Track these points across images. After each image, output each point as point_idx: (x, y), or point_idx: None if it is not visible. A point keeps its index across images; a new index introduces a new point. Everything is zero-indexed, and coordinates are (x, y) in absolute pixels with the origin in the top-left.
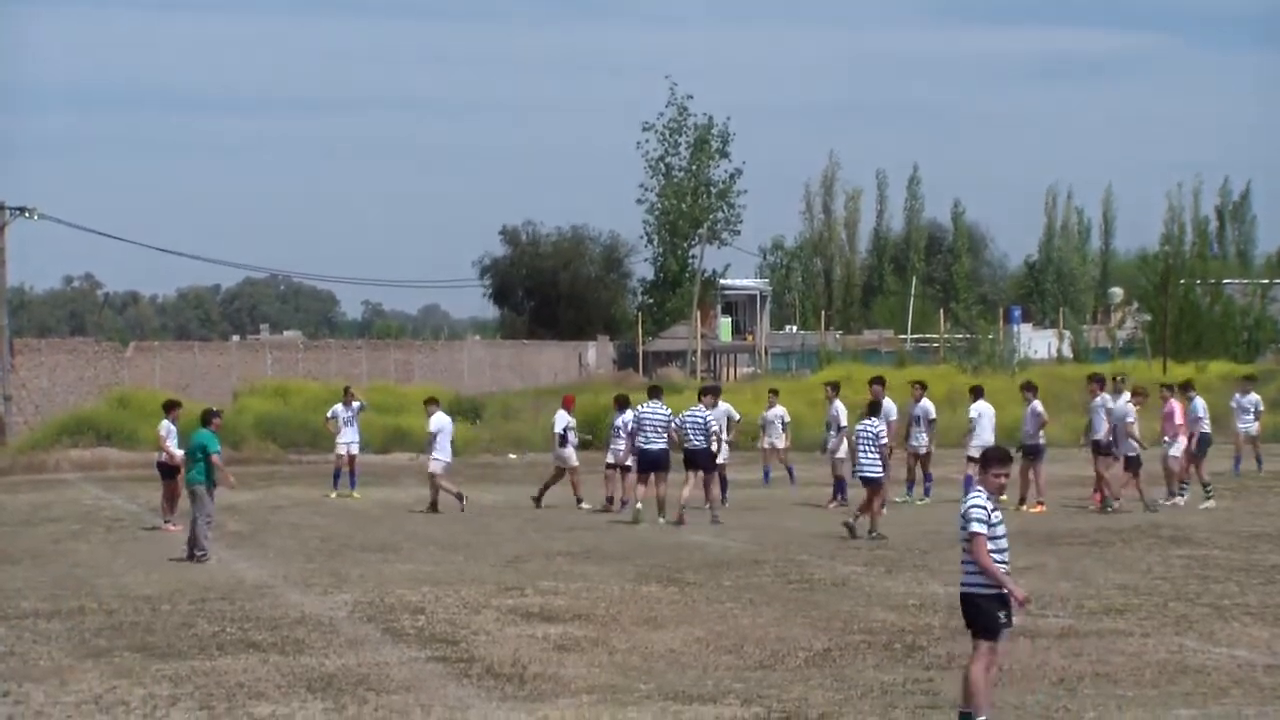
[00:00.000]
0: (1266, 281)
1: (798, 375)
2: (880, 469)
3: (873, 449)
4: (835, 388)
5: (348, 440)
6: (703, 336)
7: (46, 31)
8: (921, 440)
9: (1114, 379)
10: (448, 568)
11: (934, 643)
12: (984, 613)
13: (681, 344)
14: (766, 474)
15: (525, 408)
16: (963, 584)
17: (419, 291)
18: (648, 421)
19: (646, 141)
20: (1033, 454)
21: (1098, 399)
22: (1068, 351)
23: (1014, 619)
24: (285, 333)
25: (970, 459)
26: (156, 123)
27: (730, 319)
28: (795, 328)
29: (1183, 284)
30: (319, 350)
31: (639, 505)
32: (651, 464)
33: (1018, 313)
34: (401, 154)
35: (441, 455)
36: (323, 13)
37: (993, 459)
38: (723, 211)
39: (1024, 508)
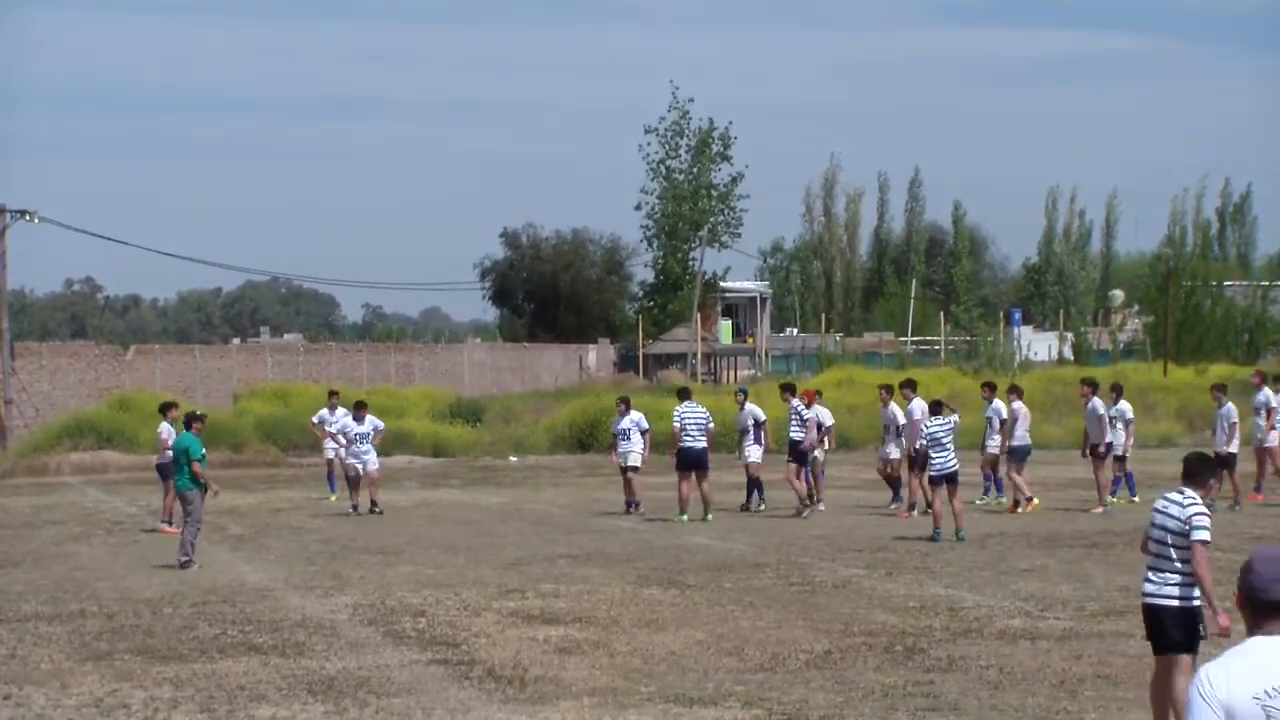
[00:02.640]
0: (1267, 283)
1: (798, 378)
2: (955, 464)
3: (950, 445)
4: (890, 390)
5: (334, 447)
6: (703, 339)
7: (45, 33)
8: (993, 442)
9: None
10: (449, 570)
11: (935, 645)
12: (1186, 626)
13: (682, 346)
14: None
15: (526, 410)
16: (1163, 595)
17: (420, 294)
18: (691, 421)
19: (648, 144)
20: (1019, 456)
21: (1090, 403)
22: (1069, 354)
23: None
24: (286, 336)
25: (1117, 459)
26: (157, 125)
27: (730, 321)
28: (795, 330)
29: (1185, 286)
30: (319, 353)
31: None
32: (694, 463)
33: (1018, 315)
34: (402, 156)
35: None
36: (323, 15)
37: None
38: (723, 215)
39: (1019, 510)
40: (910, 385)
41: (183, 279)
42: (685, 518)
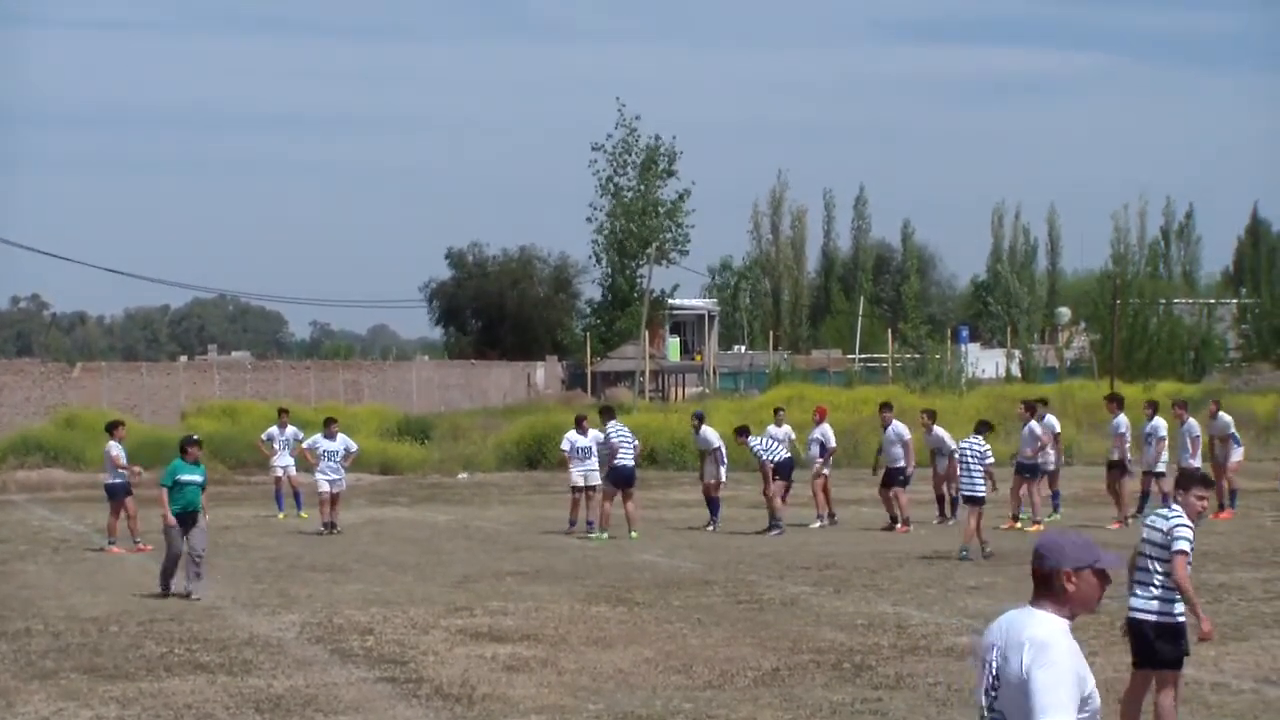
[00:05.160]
0: (1213, 301)
1: (746, 395)
2: (983, 488)
3: (978, 468)
4: (932, 415)
5: (283, 464)
6: (651, 356)
7: None
8: (1049, 458)
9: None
10: (396, 588)
11: (883, 662)
12: (1169, 641)
13: (630, 364)
14: None
15: (474, 428)
16: (1145, 610)
17: (367, 311)
18: (626, 440)
19: (595, 161)
20: (1028, 472)
21: (1117, 419)
22: (1016, 371)
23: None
24: (233, 353)
25: (1148, 474)
26: (103, 142)
27: (678, 339)
28: (743, 348)
29: (1133, 303)
30: (267, 370)
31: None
32: (627, 481)
33: (965, 333)
34: (348, 174)
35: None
36: (271, 33)
37: (1197, 481)
38: (671, 231)
39: (1018, 525)
40: (888, 407)
41: (130, 296)
42: (607, 535)
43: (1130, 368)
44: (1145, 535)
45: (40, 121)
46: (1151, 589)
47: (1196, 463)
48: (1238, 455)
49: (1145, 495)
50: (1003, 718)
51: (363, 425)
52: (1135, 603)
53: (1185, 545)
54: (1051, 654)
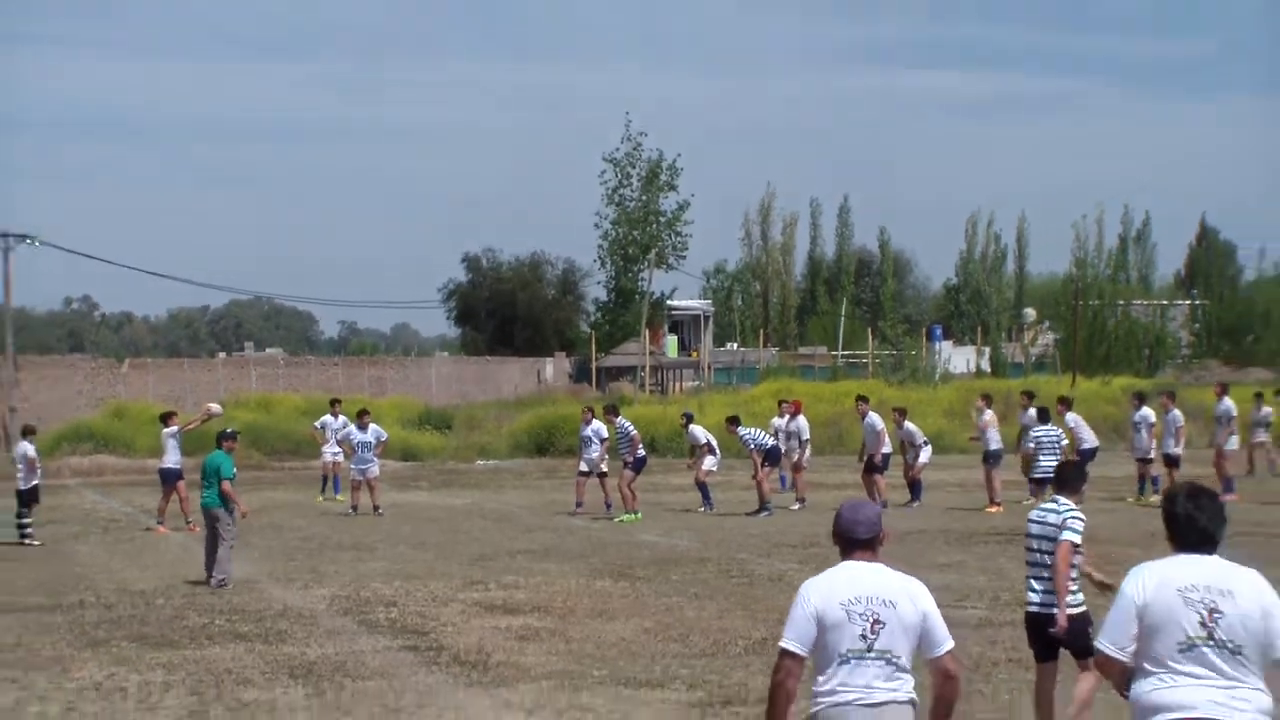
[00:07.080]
0: (1166, 302)
1: (738, 388)
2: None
3: (1054, 453)
4: (903, 412)
5: (333, 452)
6: (651, 353)
7: (35, 64)
8: (1150, 445)
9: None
10: (418, 564)
11: None
12: (1079, 631)
13: (632, 360)
14: (784, 480)
15: (489, 418)
16: (1052, 605)
17: (391, 311)
18: (635, 433)
19: (605, 172)
20: (993, 460)
21: (1067, 416)
22: (986, 366)
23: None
24: (268, 350)
25: (1141, 460)
26: (147, 152)
27: (676, 337)
28: (736, 345)
29: (1093, 304)
30: (299, 366)
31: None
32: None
33: (939, 331)
34: (378, 184)
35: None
36: (299, 47)
37: (1080, 476)
38: (670, 239)
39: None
40: (864, 399)
41: (173, 297)
42: (639, 515)
43: (1090, 363)
44: (1035, 531)
45: (85, 133)
46: (1050, 583)
47: (1180, 450)
48: (1233, 443)
49: (1142, 480)
50: (891, 654)
51: (386, 416)
52: (1033, 597)
53: (1074, 536)
54: (929, 596)
